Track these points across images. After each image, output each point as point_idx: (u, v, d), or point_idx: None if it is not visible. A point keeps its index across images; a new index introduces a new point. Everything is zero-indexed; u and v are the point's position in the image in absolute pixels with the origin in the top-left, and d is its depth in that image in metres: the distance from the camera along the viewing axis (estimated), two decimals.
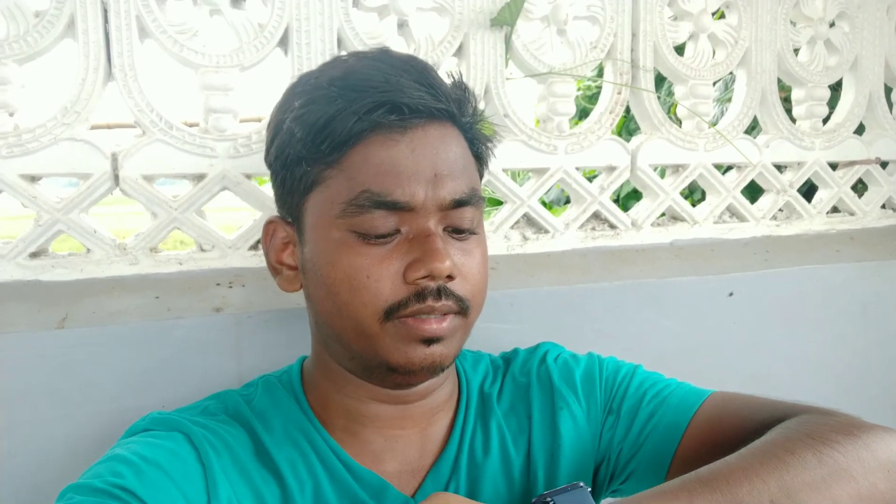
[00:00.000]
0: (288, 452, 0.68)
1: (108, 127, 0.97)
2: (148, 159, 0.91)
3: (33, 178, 0.89)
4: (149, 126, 0.90)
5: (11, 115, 0.87)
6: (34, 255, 0.89)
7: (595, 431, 0.76)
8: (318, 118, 0.63)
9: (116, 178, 0.90)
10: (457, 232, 0.66)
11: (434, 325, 0.63)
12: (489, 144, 0.75)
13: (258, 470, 0.66)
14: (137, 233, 0.92)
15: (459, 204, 0.65)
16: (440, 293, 0.63)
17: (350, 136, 0.63)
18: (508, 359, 0.83)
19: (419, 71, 0.65)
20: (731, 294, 1.17)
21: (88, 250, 0.91)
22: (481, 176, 0.74)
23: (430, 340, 0.64)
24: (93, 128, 0.92)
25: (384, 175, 0.62)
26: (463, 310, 0.66)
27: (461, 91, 0.69)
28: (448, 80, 0.70)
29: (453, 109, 0.67)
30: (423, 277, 0.62)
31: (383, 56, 0.67)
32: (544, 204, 2.86)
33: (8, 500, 0.79)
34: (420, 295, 0.63)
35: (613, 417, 0.76)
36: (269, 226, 0.73)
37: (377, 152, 0.63)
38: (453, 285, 0.64)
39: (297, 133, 0.65)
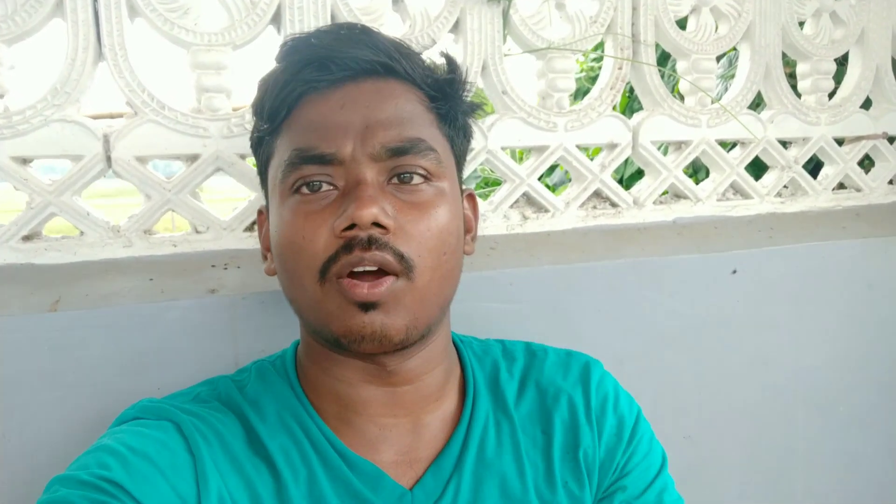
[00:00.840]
0: (282, 440, 0.66)
1: (111, 116, 0.96)
2: (140, 140, 0.89)
3: (25, 161, 0.88)
4: (140, 106, 0.89)
5: (1, 97, 0.86)
6: (27, 238, 0.88)
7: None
8: (263, 91, 0.67)
9: (109, 159, 0.89)
10: (402, 184, 0.63)
11: (366, 289, 0.59)
12: (467, 109, 0.73)
13: (250, 459, 0.64)
14: (131, 215, 0.91)
15: (397, 152, 0.62)
16: (370, 243, 0.58)
17: (284, 100, 0.64)
18: (533, 353, 0.79)
19: (353, 29, 0.66)
20: (734, 272, 1.15)
21: (82, 233, 0.90)
22: (452, 139, 0.70)
23: (365, 305, 0.59)
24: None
25: (313, 130, 0.62)
26: (406, 269, 0.60)
27: (408, 52, 0.68)
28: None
29: (393, 64, 0.65)
30: (349, 228, 0.59)
31: (323, 26, 0.69)
32: (548, 187, 2.84)
33: (3, 482, 0.79)
34: (347, 246, 0.59)
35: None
36: (260, 214, 0.75)
37: (309, 111, 0.64)
38: (390, 239, 0.59)
39: (257, 111, 0.68)
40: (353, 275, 0.60)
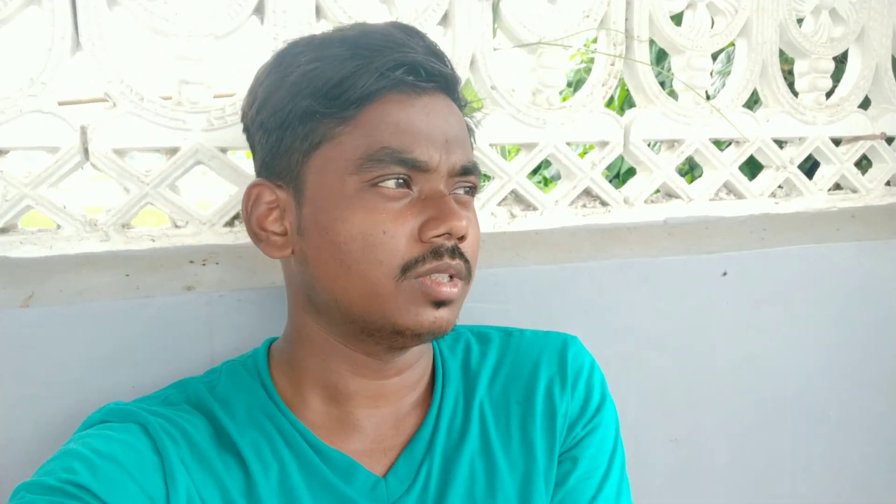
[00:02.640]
0: (252, 436, 0.66)
1: (80, 102, 0.94)
2: (118, 132, 0.88)
3: (0, 152, 0.86)
4: (119, 98, 0.87)
5: None
6: (2, 230, 0.86)
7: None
8: (332, 74, 0.63)
9: (86, 151, 0.87)
10: (459, 197, 0.67)
11: (447, 288, 0.63)
12: (475, 120, 0.77)
13: (220, 456, 0.64)
14: (108, 208, 0.89)
15: (466, 171, 0.67)
16: (454, 252, 0.63)
17: (368, 93, 0.62)
18: (510, 334, 0.81)
19: (429, 41, 0.67)
20: (724, 273, 1.13)
21: (58, 226, 0.88)
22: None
23: (440, 303, 0.63)
24: (62, 104, 0.89)
25: (403, 133, 0.62)
26: (468, 275, 0.66)
27: (457, 74, 0.71)
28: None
29: (453, 82, 0.68)
30: (440, 235, 0.62)
31: (395, 24, 0.67)
32: (545, 180, 2.81)
33: None
34: (436, 252, 0.62)
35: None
36: (253, 189, 0.69)
37: (394, 111, 0.63)
38: (462, 248, 0.64)
39: (305, 89, 0.63)
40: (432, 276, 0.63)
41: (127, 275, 0.85)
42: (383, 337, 0.65)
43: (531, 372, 0.76)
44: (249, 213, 0.69)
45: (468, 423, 0.72)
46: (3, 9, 0.82)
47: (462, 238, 0.64)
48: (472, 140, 0.74)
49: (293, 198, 0.66)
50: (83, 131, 0.87)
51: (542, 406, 0.74)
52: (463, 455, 0.70)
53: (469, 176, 0.67)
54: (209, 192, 0.96)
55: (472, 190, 0.70)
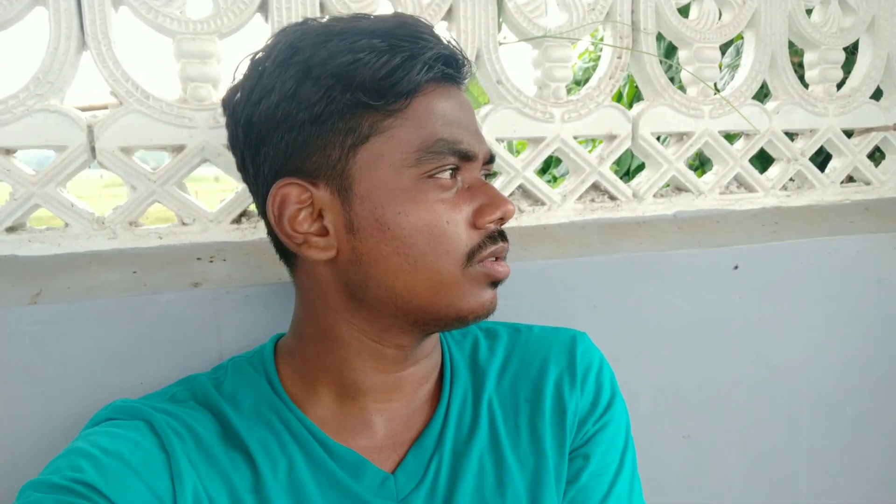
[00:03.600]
0: (259, 432, 0.66)
1: (93, 108, 0.94)
2: (125, 130, 0.88)
3: (8, 151, 0.86)
4: (125, 96, 0.88)
5: None
6: (11, 229, 0.87)
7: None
8: (379, 66, 0.60)
9: (93, 150, 0.87)
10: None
11: (504, 268, 0.67)
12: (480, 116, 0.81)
13: (227, 453, 0.64)
14: (116, 206, 0.90)
15: (491, 160, 0.70)
16: (502, 235, 0.67)
17: (417, 85, 0.63)
18: (518, 330, 0.81)
19: (441, 36, 0.67)
20: (735, 267, 1.12)
21: (66, 224, 0.88)
22: None
23: (496, 283, 0.67)
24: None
25: (451, 125, 0.64)
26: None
27: None
28: None
29: (470, 74, 0.70)
30: (494, 220, 0.65)
31: (398, 14, 0.68)
32: (554, 178, 2.80)
33: None
34: (492, 237, 0.66)
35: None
36: (280, 190, 0.64)
37: (439, 103, 0.64)
38: (504, 229, 0.68)
39: (346, 81, 0.60)
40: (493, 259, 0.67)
41: (134, 272, 0.86)
42: (439, 325, 0.66)
43: (540, 368, 0.76)
44: (279, 216, 0.64)
45: (477, 419, 0.72)
46: (9, 9, 0.83)
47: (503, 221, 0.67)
48: None
49: (337, 195, 0.63)
50: (90, 130, 0.87)
51: (551, 403, 0.73)
52: (472, 451, 0.70)
53: (491, 164, 0.71)
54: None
55: (489, 177, 0.74)
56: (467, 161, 0.65)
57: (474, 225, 0.64)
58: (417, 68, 0.62)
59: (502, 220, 0.66)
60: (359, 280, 0.64)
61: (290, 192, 0.64)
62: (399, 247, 0.62)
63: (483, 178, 0.69)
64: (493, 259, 0.66)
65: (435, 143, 0.63)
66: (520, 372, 0.76)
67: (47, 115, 0.85)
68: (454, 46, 0.67)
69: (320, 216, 0.64)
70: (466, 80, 0.69)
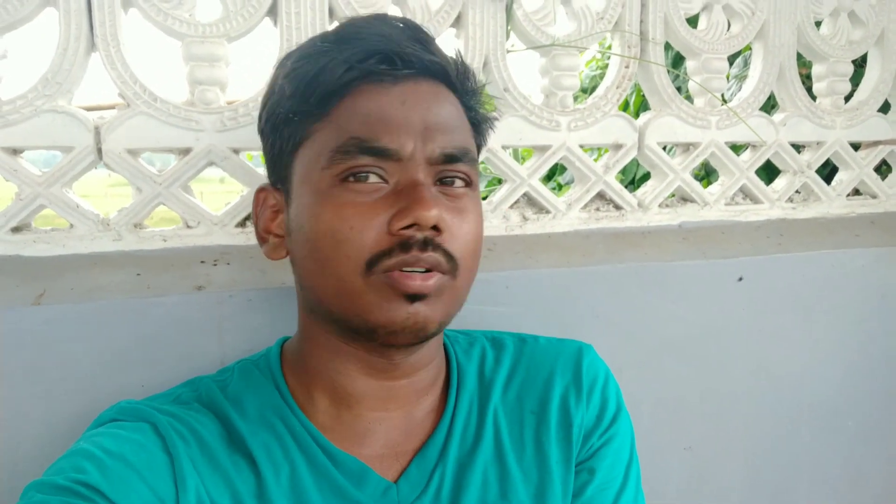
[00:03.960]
0: (263, 437, 0.65)
1: (100, 108, 0.94)
2: (132, 132, 0.88)
3: (15, 151, 0.87)
4: (132, 98, 0.88)
5: None
6: (16, 229, 0.87)
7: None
8: (308, 71, 0.62)
9: (100, 151, 0.87)
10: (448, 189, 0.64)
11: (418, 281, 0.60)
12: (489, 121, 0.74)
13: (230, 457, 0.64)
14: (121, 208, 0.90)
15: (450, 159, 0.63)
16: (426, 244, 0.60)
17: (339, 86, 0.62)
18: (524, 341, 0.79)
19: (413, 28, 0.65)
20: (740, 279, 1.12)
21: (71, 225, 0.89)
22: (478, 146, 0.72)
23: (413, 297, 0.60)
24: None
25: (373, 123, 0.61)
26: (451, 269, 0.62)
27: (461, 63, 0.69)
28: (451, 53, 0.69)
29: (448, 69, 0.66)
30: (409, 227, 0.59)
31: (379, 15, 0.67)
32: (559, 185, 2.80)
33: None
34: (404, 245, 0.59)
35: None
36: (260, 194, 0.72)
37: (366, 102, 0.62)
38: (441, 240, 0.61)
39: (287, 90, 0.64)
40: (402, 270, 0.60)
41: (138, 274, 0.86)
42: (363, 336, 0.63)
43: (546, 381, 0.75)
44: (257, 217, 0.71)
45: (482, 430, 0.71)
46: (19, 9, 0.83)
47: (438, 230, 0.60)
48: (480, 136, 0.73)
49: (284, 199, 0.68)
50: (97, 131, 0.87)
51: (556, 416, 0.73)
52: (476, 462, 0.69)
53: (456, 164, 0.64)
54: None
55: (466, 180, 0.65)
56: (391, 160, 0.61)
57: (389, 231, 0.60)
58: (340, 70, 0.61)
59: (419, 227, 0.59)
60: (299, 282, 0.68)
61: (267, 195, 0.71)
62: (311, 250, 0.62)
63: (443, 181, 0.64)
64: (409, 270, 0.60)
65: (345, 143, 0.61)
66: (525, 383, 0.75)
67: (55, 116, 0.85)
68: (413, 41, 0.63)
69: (282, 219, 0.69)
70: (422, 74, 0.64)
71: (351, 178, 0.61)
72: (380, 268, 0.59)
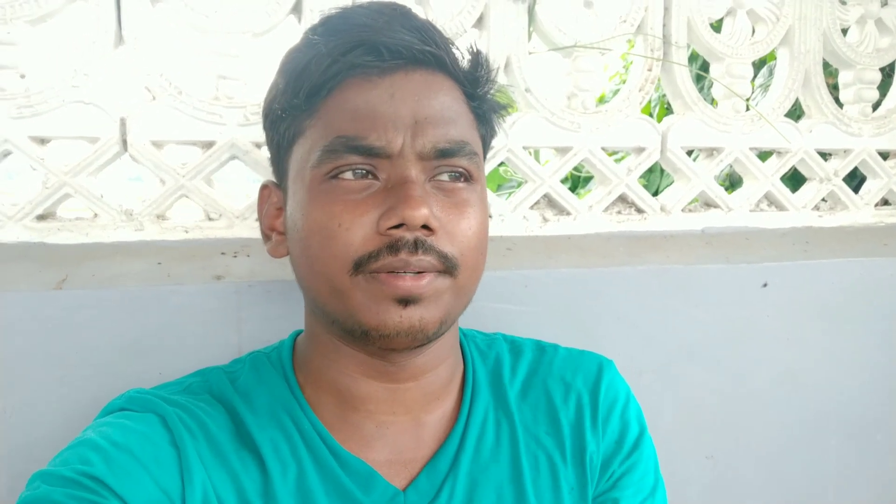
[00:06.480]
0: (271, 434, 0.63)
1: None
2: (156, 125, 0.89)
3: (42, 141, 0.88)
4: (158, 91, 0.89)
5: (22, 76, 0.87)
6: (41, 217, 0.88)
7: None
8: (297, 66, 0.61)
9: (125, 142, 0.89)
10: (445, 184, 0.61)
11: (409, 283, 0.57)
12: (499, 111, 0.70)
13: (237, 452, 0.62)
14: (144, 199, 0.91)
15: (444, 154, 0.60)
16: (417, 246, 0.57)
17: (326, 81, 0.59)
18: (543, 349, 0.76)
19: (404, 14, 0.61)
20: (764, 285, 1.10)
21: (95, 215, 0.90)
22: (484, 139, 0.69)
23: (405, 300, 0.57)
24: None
25: (360, 119, 0.58)
26: (448, 268, 0.59)
27: (471, 51, 0.65)
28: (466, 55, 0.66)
29: (443, 56, 0.61)
30: (396, 227, 0.56)
31: (371, 3, 0.63)
32: (579, 179, 2.78)
33: (1, 457, 0.79)
34: (393, 247, 0.57)
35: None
36: (264, 191, 0.71)
37: (353, 97, 0.59)
38: (435, 240, 0.58)
39: (280, 85, 0.63)
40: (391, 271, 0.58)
41: (159, 263, 0.86)
42: (358, 338, 0.61)
43: (562, 398, 0.71)
44: (262, 214, 0.71)
45: (499, 447, 0.67)
46: (51, 2, 0.85)
47: (428, 229, 0.57)
48: (487, 128, 0.69)
49: (283, 196, 0.67)
50: (122, 122, 0.88)
51: (570, 441, 0.69)
52: (490, 479, 0.66)
53: (451, 159, 0.60)
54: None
55: (465, 176, 0.62)
56: (381, 158, 0.59)
57: (378, 231, 0.57)
58: (325, 64, 0.59)
59: (408, 227, 0.56)
60: (297, 281, 0.66)
61: (270, 192, 0.70)
62: (303, 248, 0.61)
63: (438, 177, 0.61)
64: (391, 272, 0.57)
65: (332, 142, 0.59)
66: (541, 398, 0.71)
67: (82, 107, 0.87)
68: (405, 30, 0.60)
69: (283, 217, 0.67)
70: (413, 64, 0.61)
71: (340, 175, 0.59)
72: (366, 269, 0.57)
